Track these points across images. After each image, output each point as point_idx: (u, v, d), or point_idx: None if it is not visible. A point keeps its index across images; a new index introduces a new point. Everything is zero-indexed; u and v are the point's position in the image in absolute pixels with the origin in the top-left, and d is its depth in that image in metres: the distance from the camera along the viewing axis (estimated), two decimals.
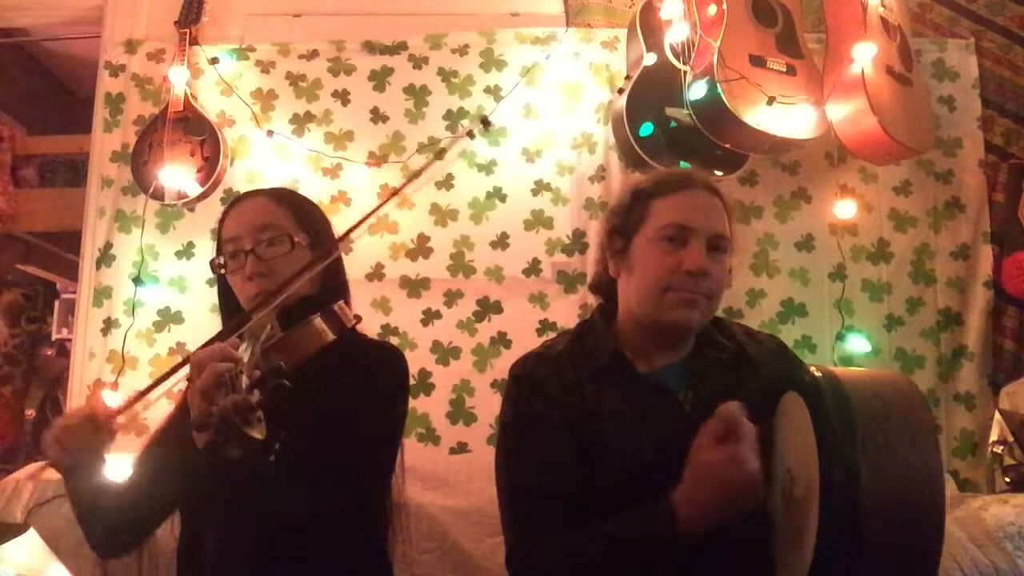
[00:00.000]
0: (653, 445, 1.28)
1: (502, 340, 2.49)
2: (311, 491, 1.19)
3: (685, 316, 1.31)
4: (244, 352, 1.17)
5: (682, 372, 1.36)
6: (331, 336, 1.31)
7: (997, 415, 2.30)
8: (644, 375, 1.35)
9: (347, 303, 1.43)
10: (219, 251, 1.42)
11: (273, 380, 1.06)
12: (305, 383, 1.17)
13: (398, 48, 2.70)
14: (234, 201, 1.47)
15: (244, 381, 1.06)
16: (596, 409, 1.31)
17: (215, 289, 1.50)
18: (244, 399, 1.01)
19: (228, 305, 1.44)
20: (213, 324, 2.32)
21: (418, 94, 2.66)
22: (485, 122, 1.36)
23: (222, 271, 1.40)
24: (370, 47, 2.70)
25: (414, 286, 2.54)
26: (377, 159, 2.60)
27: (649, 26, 2.50)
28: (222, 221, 1.43)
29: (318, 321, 1.30)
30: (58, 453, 1.18)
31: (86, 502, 1.30)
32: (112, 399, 2.36)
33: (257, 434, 1.00)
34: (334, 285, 1.45)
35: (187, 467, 1.18)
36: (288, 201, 1.44)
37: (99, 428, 1.17)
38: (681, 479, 1.18)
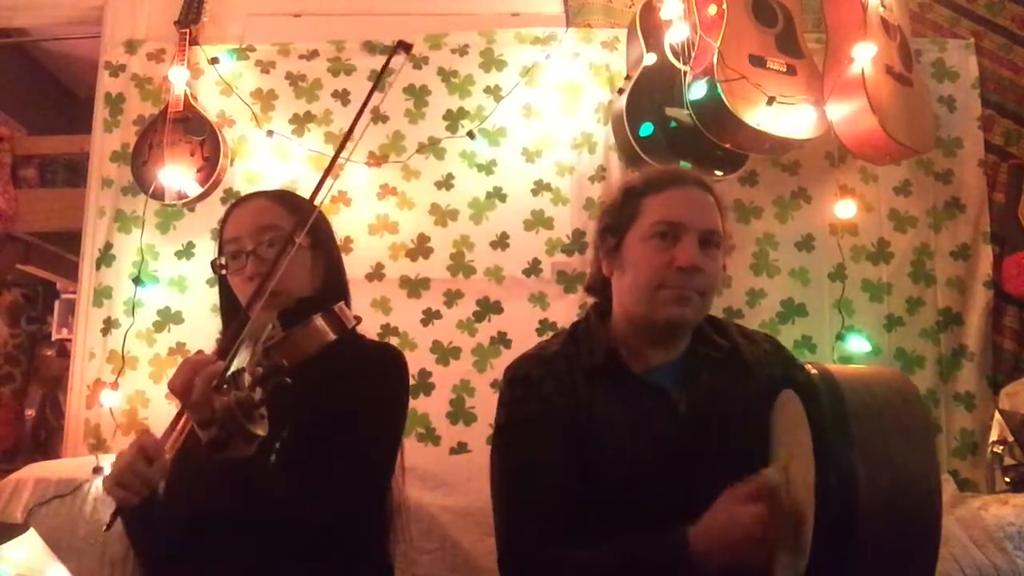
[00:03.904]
0: (648, 445, 1.28)
1: (502, 340, 2.49)
2: (312, 491, 1.19)
3: (678, 313, 1.31)
4: (245, 353, 1.17)
5: (677, 371, 1.36)
6: (332, 336, 1.31)
7: (997, 415, 2.30)
8: (639, 375, 1.35)
9: (347, 304, 1.43)
10: (220, 251, 1.42)
11: (275, 377, 1.06)
12: (306, 383, 1.17)
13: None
14: (236, 202, 1.47)
15: (247, 379, 1.06)
16: (590, 409, 1.31)
17: (215, 289, 1.50)
18: (247, 396, 1.01)
19: (229, 306, 1.44)
20: (213, 324, 2.31)
21: (418, 94, 2.66)
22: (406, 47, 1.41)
23: (223, 271, 1.40)
24: (370, 47, 2.70)
25: (414, 286, 2.54)
26: (377, 159, 2.60)
27: (649, 26, 2.50)
28: (223, 222, 1.44)
29: (319, 321, 1.31)
30: (123, 494, 1.15)
31: (146, 542, 1.30)
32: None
33: (260, 431, 1.00)
34: (334, 286, 1.45)
35: (191, 466, 1.18)
36: (289, 202, 1.44)
37: (152, 461, 1.16)
38: (697, 511, 1.18)
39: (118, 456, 1.17)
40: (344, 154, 1.29)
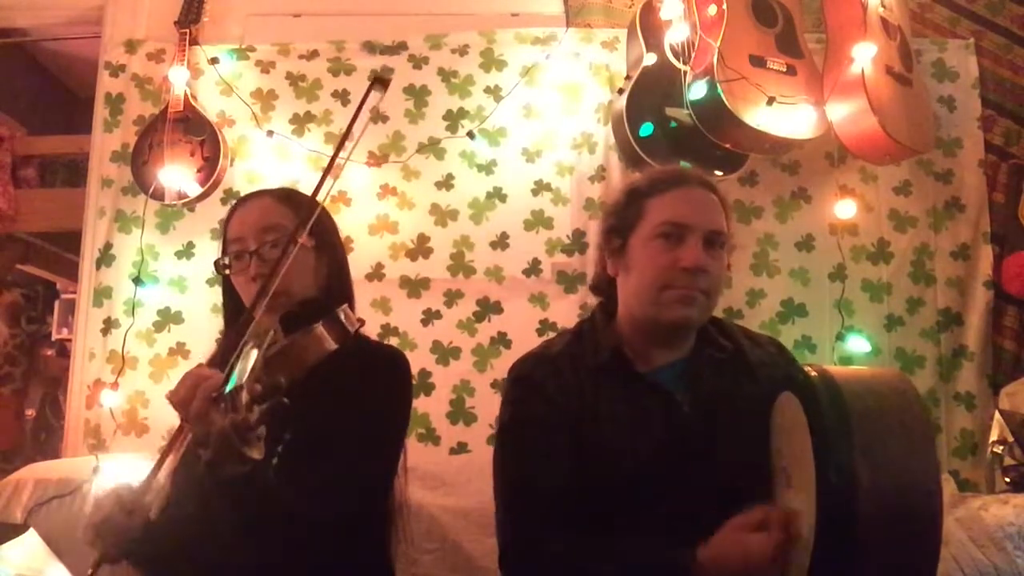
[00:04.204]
0: (651, 444, 1.28)
1: (502, 340, 2.49)
2: (314, 492, 1.19)
3: (683, 314, 1.32)
4: (246, 358, 1.16)
5: (681, 372, 1.36)
6: (333, 345, 1.30)
7: (997, 415, 2.30)
8: (643, 374, 1.35)
9: (351, 306, 1.42)
10: (224, 251, 1.41)
11: (273, 397, 1.04)
12: (309, 386, 1.17)
13: (398, 48, 2.70)
14: (239, 202, 1.46)
15: (244, 397, 1.05)
16: (594, 409, 1.32)
17: (215, 289, 1.50)
18: (244, 419, 1.00)
19: (232, 306, 1.44)
20: (213, 324, 2.31)
21: (418, 94, 2.66)
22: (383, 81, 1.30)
23: (227, 271, 1.40)
24: (370, 47, 2.70)
25: (414, 286, 2.54)
26: (377, 159, 2.60)
27: (649, 26, 2.50)
28: (227, 221, 1.43)
29: (320, 329, 1.30)
30: (102, 547, 1.13)
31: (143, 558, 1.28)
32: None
33: (256, 454, 1.00)
34: (339, 288, 1.44)
35: (189, 474, 1.18)
36: (293, 202, 1.43)
37: (131, 513, 1.13)
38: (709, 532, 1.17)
39: (96, 506, 1.16)
40: (343, 154, 1.28)
